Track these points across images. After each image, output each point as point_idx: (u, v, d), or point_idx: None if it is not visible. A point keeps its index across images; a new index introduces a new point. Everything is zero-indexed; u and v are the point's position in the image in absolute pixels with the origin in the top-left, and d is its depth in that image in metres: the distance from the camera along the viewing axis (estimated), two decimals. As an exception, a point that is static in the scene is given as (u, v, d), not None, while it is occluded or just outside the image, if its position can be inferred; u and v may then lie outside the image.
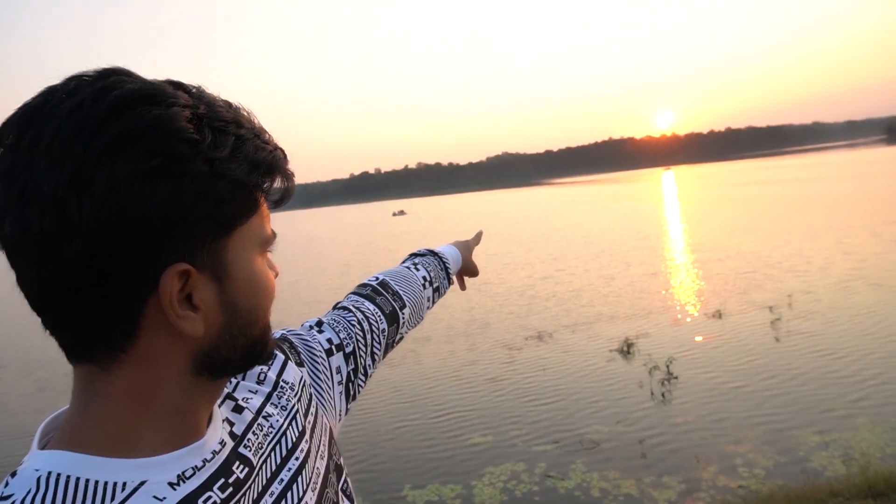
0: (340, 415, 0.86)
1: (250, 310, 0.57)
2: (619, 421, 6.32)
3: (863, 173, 44.63)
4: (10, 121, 0.50)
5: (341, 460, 0.80)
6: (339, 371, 0.87)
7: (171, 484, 0.53)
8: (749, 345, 8.22)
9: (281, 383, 0.74)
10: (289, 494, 0.65)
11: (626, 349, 8.56)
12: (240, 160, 0.53)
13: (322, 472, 0.72)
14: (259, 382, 0.72)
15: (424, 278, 1.14)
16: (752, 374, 7.14)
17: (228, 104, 0.56)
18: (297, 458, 0.68)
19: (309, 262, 26.88)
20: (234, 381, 0.71)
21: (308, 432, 0.73)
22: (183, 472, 0.54)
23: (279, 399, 0.72)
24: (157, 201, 0.48)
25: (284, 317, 12.71)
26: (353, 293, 1.04)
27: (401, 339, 1.05)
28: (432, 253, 1.23)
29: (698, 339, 8.87)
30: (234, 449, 0.61)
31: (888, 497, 4.01)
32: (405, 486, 5.49)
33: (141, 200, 0.47)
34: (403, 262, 1.19)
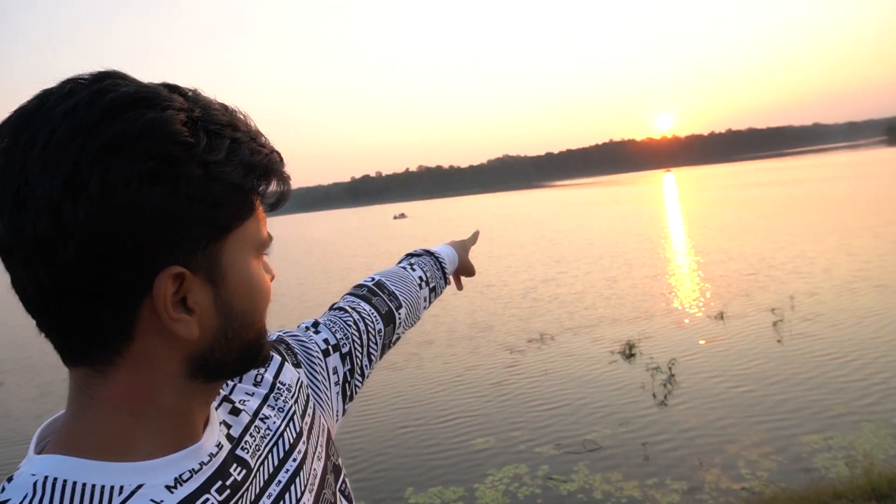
0: (338, 415, 0.86)
1: (245, 313, 0.57)
2: (622, 423, 6.31)
3: (864, 174, 44.59)
4: (6, 124, 0.50)
5: (339, 461, 0.80)
6: (335, 371, 0.87)
7: (168, 487, 0.53)
8: (752, 347, 8.20)
9: (278, 385, 0.74)
10: (286, 496, 0.65)
11: (629, 351, 8.54)
12: (235, 163, 0.53)
13: (319, 473, 0.72)
14: (256, 384, 0.72)
15: (421, 278, 1.14)
16: (754, 377, 7.12)
17: (225, 107, 0.57)
18: (294, 460, 0.68)
19: (310, 266, 26.89)
20: (230, 383, 0.71)
21: (305, 433, 0.73)
22: (180, 476, 0.54)
23: (276, 401, 0.72)
24: (151, 204, 0.48)
25: (286, 320, 12.71)
26: (349, 294, 1.04)
27: (397, 339, 1.05)
28: (428, 253, 1.23)
29: (701, 341, 8.86)
30: (232, 451, 0.61)
31: (892, 499, 4.00)
32: (407, 488, 5.48)
33: (135, 203, 0.47)
34: (400, 262, 1.19)
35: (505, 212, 57.66)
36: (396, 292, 1.06)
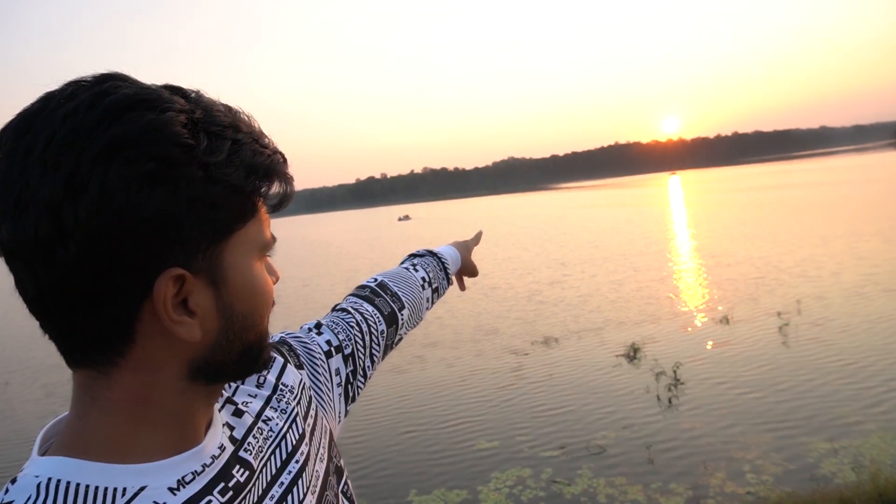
0: (340, 416, 0.87)
1: (247, 315, 0.57)
2: (626, 426, 6.29)
3: (872, 178, 44.37)
4: (9, 127, 0.51)
5: (342, 462, 0.80)
6: (338, 373, 0.87)
7: (171, 489, 0.53)
8: (758, 351, 8.16)
9: (280, 386, 0.74)
10: (289, 497, 0.65)
11: (633, 354, 8.52)
12: (236, 164, 0.53)
13: (321, 474, 0.72)
14: (258, 386, 0.72)
15: (423, 279, 1.14)
16: (760, 381, 7.09)
17: (228, 108, 0.56)
18: (297, 462, 0.68)
19: (315, 267, 26.94)
20: (233, 384, 0.71)
21: (308, 435, 0.73)
22: (183, 477, 0.55)
23: (279, 402, 0.72)
24: (151, 206, 0.48)
25: (290, 321, 12.73)
26: (352, 295, 1.04)
27: (400, 340, 1.05)
28: (431, 253, 1.23)
29: (706, 344, 8.82)
30: (235, 453, 0.61)
31: (899, 505, 3.97)
32: (411, 491, 5.47)
33: (135, 206, 0.47)
34: (402, 262, 1.19)
35: (510, 214, 57.63)
36: (399, 293, 1.06)
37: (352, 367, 0.90)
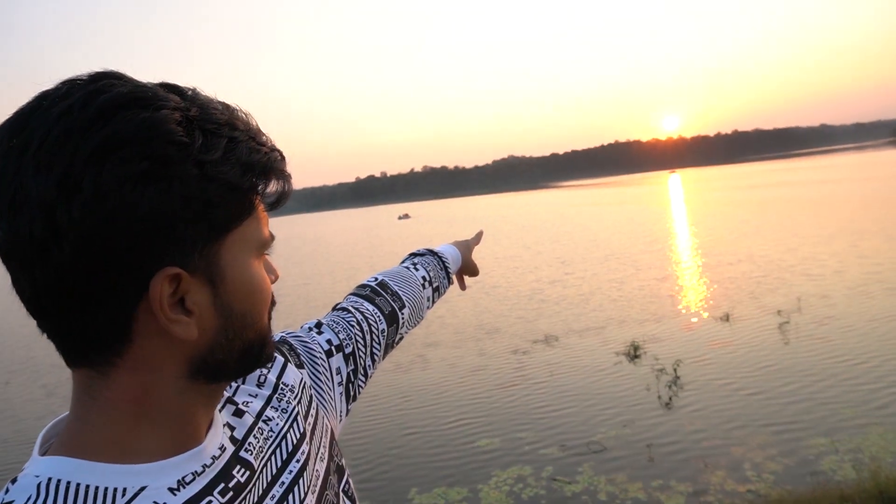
0: (341, 416, 0.86)
1: (245, 313, 0.57)
2: (627, 425, 6.29)
3: (872, 176, 44.33)
4: (4, 126, 0.51)
5: (343, 461, 0.80)
6: (338, 372, 0.87)
7: (171, 489, 0.53)
8: (759, 349, 8.16)
9: (281, 386, 0.74)
10: (290, 497, 0.65)
11: (634, 353, 8.52)
12: (232, 163, 0.52)
13: (322, 474, 0.72)
14: (259, 385, 0.72)
15: (424, 278, 1.14)
16: (761, 379, 7.09)
17: (225, 106, 0.56)
18: (297, 461, 0.68)
19: (315, 266, 26.95)
20: (234, 384, 0.70)
21: (308, 435, 0.73)
22: (183, 478, 0.54)
23: (279, 402, 0.72)
24: (145, 205, 0.48)
25: (291, 320, 12.74)
26: (352, 294, 1.04)
27: (400, 339, 1.05)
28: (432, 252, 1.22)
29: (708, 343, 8.82)
30: (235, 453, 0.61)
31: (899, 502, 3.97)
32: (412, 489, 5.48)
33: (129, 205, 0.47)
34: (403, 261, 1.19)
35: (510, 212, 57.61)
36: (399, 292, 1.06)
37: (353, 367, 0.90)
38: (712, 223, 25.78)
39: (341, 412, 0.87)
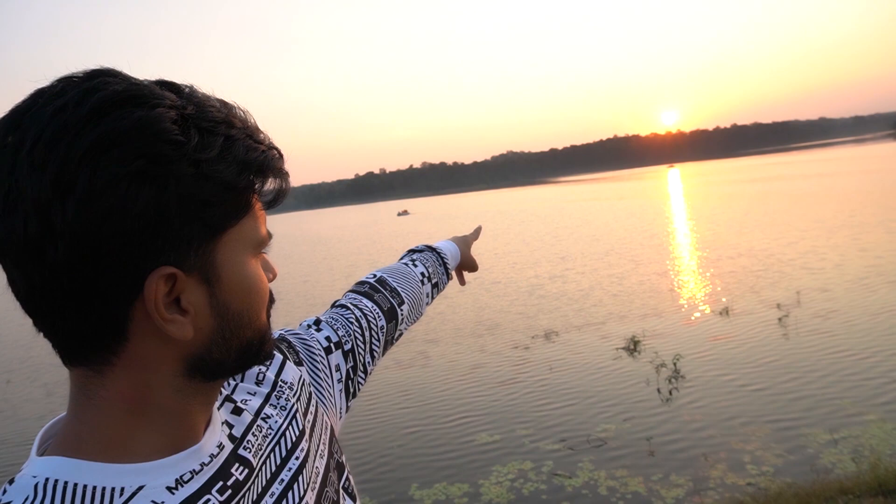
0: (341, 412, 0.86)
1: (242, 313, 0.56)
2: (627, 419, 6.31)
3: (871, 169, 44.30)
4: None
5: (343, 458, 0.79)
6: (338, 369, 0.87)
7: (169, 488, 0.53)
8: (760, 343, 8.18)
9: (280, 383, 0.74)
10: (289, 494, 0.65)
11: (634, 347, 8.53)
12: (228, 161, 0.52)
13: (321, 471, 0.72)
14: (258, 383, 0.72)
15: (423, 274, 1.13)
16: (761, 373, 7.10)
17: (223, 103, 0.56)
18: (297, 458, 0.68)
19: (315, 263, 26.94)
20: (232, 382, 0.70)
21: (308, 432, 0.73)
22: (181, 476, 0.54)
23: (278, 399, 0.72)
24: (139, 205, 0.47)
25: (290, 317, 12.74)
26: (351, 291, 1.04)
27: (400, 335, 1.05)
28: (430, 249, 1.22)
29: (708, 337, 8.83)
30: (234, 451, 0.61)
31: (899, 494, 3.98)
32: (412, 485, 5.49)
33: (123, 204, 0.47)
34: (402, 258, 1.19)
35: (509, 208, 57.58)
36: (398, 288, 1.06)
37: (352, 363, 0.90)
38: (712, 217, 25.78)
39: (341, 409, 0.86)
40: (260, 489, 0.62)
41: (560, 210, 44.93)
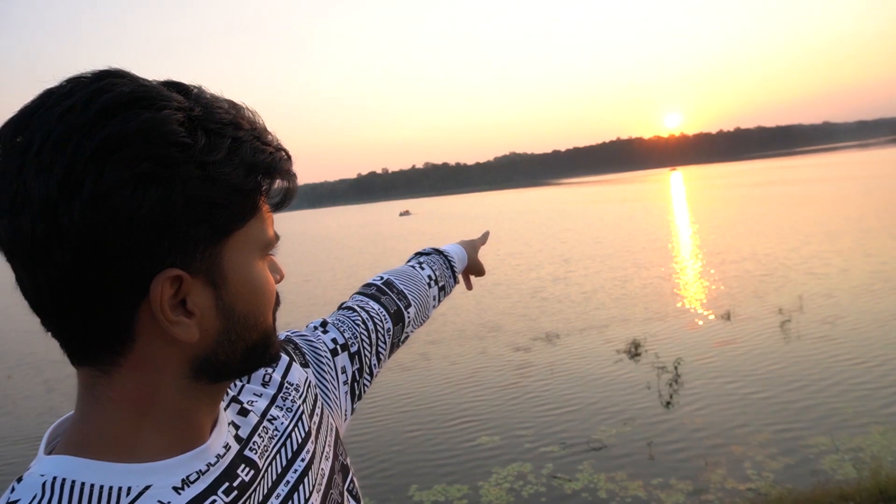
0: (346, 414, 0.86)
1: (248, 315, 0.56)
2: (627, 422, 6.30)
3: (876, 174, 44.25)
4: (8, 123, 0.50)
5: (348, 460, 0.79)
6: (344, 371, 0.87)
7: (175, 488, 0.53)
8: (761, 348, 8.16)
9: (286, 385, 0.74)
10: (295, 496, 0.65)
11: (635, 351, 8.53)
12: (236, 163, 0.52)
13: (327, 473, 0.72)
14: (264, 385, 0.72)
15: (430, 277, 1.13)
16: (763, 378, 7.09)
17: (231, 104, 0.56)
18: (302, 460, 0.68)
19: (317, 263, 26.96)
20: (238, 383, 0.70)
21: (314, 433, 0.73)
22: (187, 477, 0.54)
23: (284, 401, 0.72)
24: (145, 207, 0.47)
25: (293, 317, 12.75)
26: (358, 293, 1.04)
27: (406, 338, 1.05)
28: (438, 252, 1.22)
29: (710, 341, 8.82)
30: (240, 452, 0.61)
31: (900, 501, 3.97)
32: (412, 486, 5.49)
33: (130, 206, 0.47)
34: (409, 261, 1.19)
35: (512, 209, 57.60)
36: (405, 291, 1.05)
37: (358, 366, 0.90)
38: (715, 221, 25.76)
39: (346, 411, 0.86)
40: (266, 490, 0.62)
41: (562, 212, 44.92)
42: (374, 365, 0.94)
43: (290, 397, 0.73)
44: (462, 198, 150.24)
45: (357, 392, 0.89)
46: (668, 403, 6.68)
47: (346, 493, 0.75)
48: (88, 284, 0.48)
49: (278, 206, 0.60)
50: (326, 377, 0.84)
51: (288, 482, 0.65)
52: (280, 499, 0.63)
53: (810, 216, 22.50)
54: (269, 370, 0.74)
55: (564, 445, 5.94)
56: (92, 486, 0.50)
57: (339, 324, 0.92)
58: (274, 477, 0.64)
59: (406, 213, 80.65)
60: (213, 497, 0.55)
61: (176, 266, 0.50)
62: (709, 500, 4.72)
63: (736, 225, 23.08)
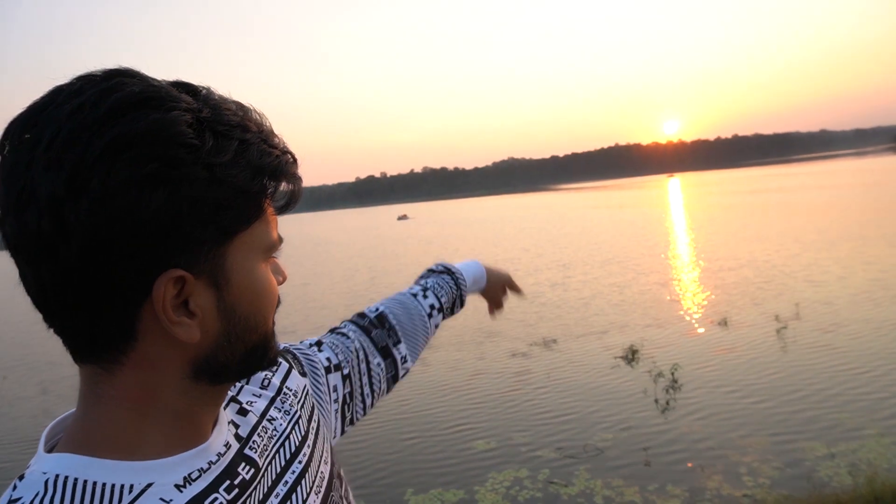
0: (336, 433, 0.87)
1: (249, 317, 0.57)
2: (624, 428, 6.29)
3: (873, 182, 44.35)
4: (17, 120, 0.51)
5: (342, 471, 0.80)
6: (335, 390, 0.88)
7: (177, 486, 0.54)
8: (759, 355, 8.16)
9: (284, 389, 0.74)
10: (293, 496, 0.65)
11: (632, 356, 8.52)
12: (242, 165, 0.52)
13: (326, 476, 0.73)
14: (263, 387, 0.73)
15: (432, 307, 1.12)
16: (759, 384, 7.09)
17: (239, 106, 0.56)
18: (300, 462, 0.69)
19: (315, 266, 26.92)
20: (238, 384, 0.71)
21: (311, 437, 0.74)
22: (189, 474, 0.55)
23: (282, 404, 0.72)
24: (152, 207, 0.48)
25: (290, 321, 12.72)
26: (351, 322, 1.04)
27: (406, 372, 1.05)
28: (449, 272, 1.19)
29: (706, 347, 8.82)
30: (240, 450, 0.62)
31: (895, 509, 3.97)
32: (407, 490, 5.48)
33: (136, 206, 0.47)
34: (418, 280, 1.17)
35: (510, 214, 57.61)
36: (397, 327, 1.04)
37: (349, 389, 0.91)
38: (713, 227, 25.78)
39: (336, 429, 0.87)
40: (266, 489, 0.62)
41: (561, 218, 44.93)
42: (367, 395, 0.95)
43: (289, 401, 0.73)
44: (460, 202, 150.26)
45: (348, 416, 0.90)
46: (665, 410, 6.68)
47: (343, 500, 0.76)
48: (92, 283, 0.48)
49: (283, 209, 0.60)
50: (321, 391, 0.85)
51: (287, 482, 0.66)
52: (279, 498, 0.64)
53: (808, 223, 22.52)
54: (269, 374, 0.74)
55: (561, 451, 5.94)
56: (94, 483, 0.50)
57: (334, 346, 0.93)
58: (273, 476, 0.64)
59: (404, 217, 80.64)
60: (215, 495, 0.56)
61: (180, 267, 0.50)
62: (705, 507, 4.71)
63: (734, 232, 23.09)
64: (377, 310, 1.06)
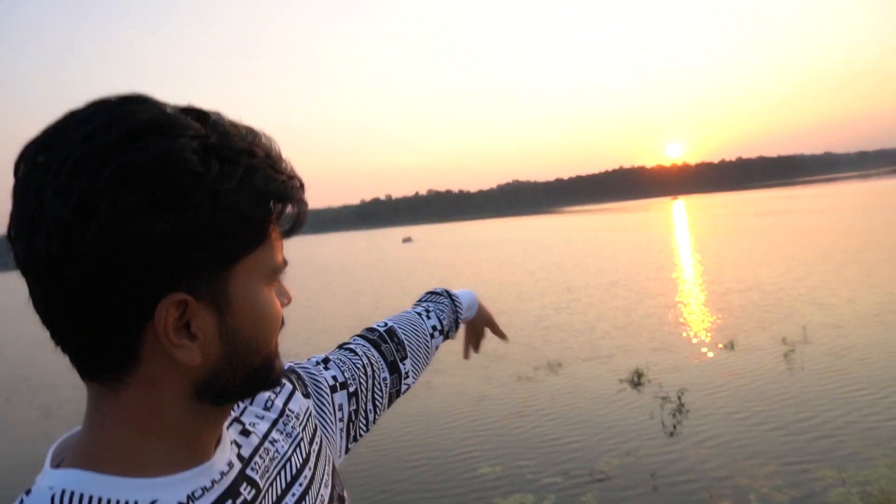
0: (341, 452, 0.87)
1: (251, 340, 0.57)
2: (630, 453, 6.21)
3: (878, 204, 44.28)
4: (32, 143, 0.52)
5: (345, 493, 0.80)
6: (340, 408, 0.88)
7: (180, 503, 0.54)
8: (767, 379, 8.08)
9: (287, 411, 0.75)
10: None
11: (638, 380, 8.45)
12: (248, 192, 0.53)
13: (326, 499, 0.73)
14: (266, 409, 0.73)
15: (434, 327, 1.14)
16: (768, 408, 7.01)
17: (249, 131, 0.57)
18: (300, 484, 0.69)
19: (319, 289, 26.94)
20: (241, 404, 0.71)
21: (312, 459, 0.74)
22: (192, 492, 0.56)
23: (285, 426, 0.73)
24: (156, 233, 0.49)
25: (292, 343, 12.69)
26: (360, 336, 1.05)
27: (407, 389, 1.05)
28: (449, 295, 1.23)
29: (714, 371, 8.74)
30: (242, 471, 0.62)
31: (910, 537, 3.88)
32: (412, 517, 5.40)
33: (142, 231, 0.48)
34: (419, 301, 1.20)
35: (514, 237, 57.66)
36: (405, 342, 1.06)
37: (354, 406, 0.91)
38: (719, 250, 25.71)
39: (341, 448, 0.87)
40: None
41: (565, 240, 44.95)
42: (370, 410, 0.95)
43: (291, 423, 0.74)
44: (465, 225, 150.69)
45: (352, 433, 0.90)
46: (673, 434, 6.60)
47: None
48: (97, 305, 0.49)
49: (288, 233, 0.61)
50: (325, 410, 0.85)
51: None
52: None
53: (814, 246, 22.44)
54: (273, 395, 0.75)
55: (567, 476, 5.86)
56: (100, 499, 0.51)
57: (340, 363, 0.94)
58: (274, 499, 0.65)
59: (408, 239, 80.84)
60: None
61: (182, 290, 0.51)
62: (714, 534, 4.62)
63: (740, 254, 23.02)
64: (386, 325, 1.08)
